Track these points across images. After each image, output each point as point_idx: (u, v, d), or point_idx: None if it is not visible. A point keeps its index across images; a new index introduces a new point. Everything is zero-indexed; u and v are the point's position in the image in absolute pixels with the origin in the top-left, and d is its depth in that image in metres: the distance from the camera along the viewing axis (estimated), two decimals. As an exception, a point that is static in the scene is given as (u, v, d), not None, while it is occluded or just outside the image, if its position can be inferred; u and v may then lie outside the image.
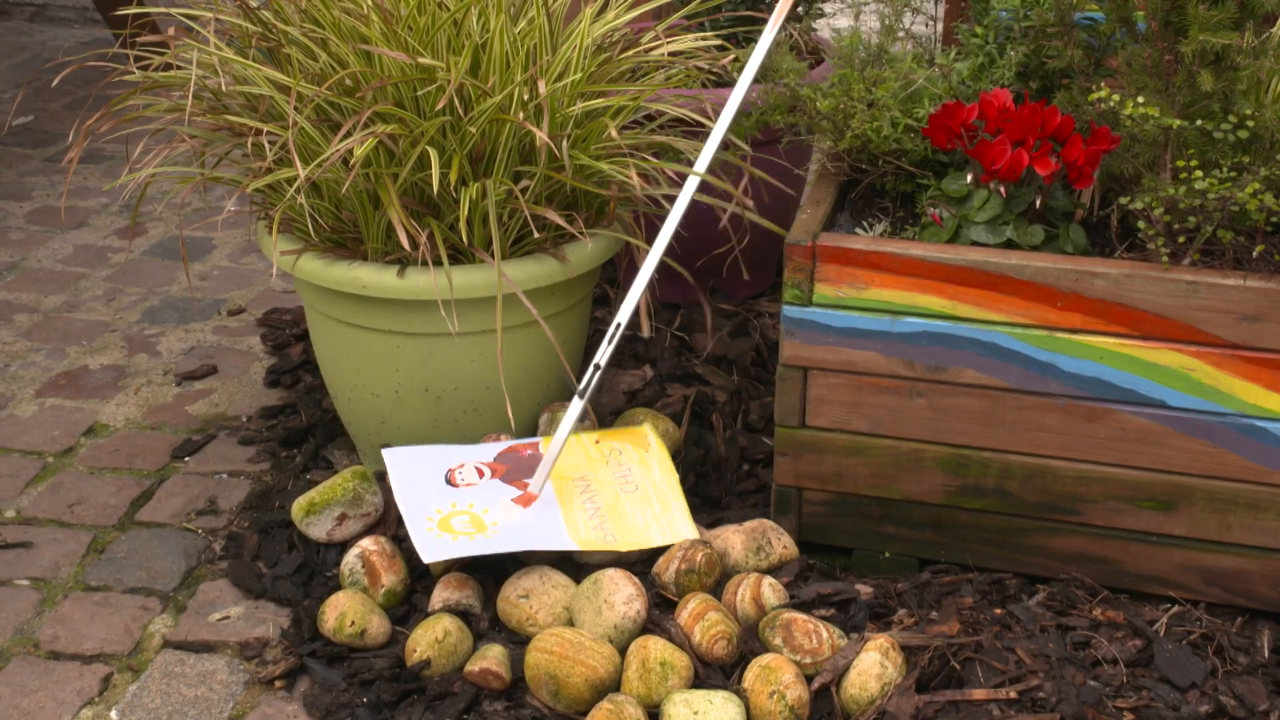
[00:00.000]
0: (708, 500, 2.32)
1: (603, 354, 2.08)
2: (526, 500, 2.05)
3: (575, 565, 2.07)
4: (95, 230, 3.46)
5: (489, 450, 2.16)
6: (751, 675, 1.84)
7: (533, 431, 2.34)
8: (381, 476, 2.27)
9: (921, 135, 2.15)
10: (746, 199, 2.27)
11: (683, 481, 2.31)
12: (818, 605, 2.02)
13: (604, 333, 2.73)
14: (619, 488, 2.10)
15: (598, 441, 2.19)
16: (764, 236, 2.55)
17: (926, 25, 2.52)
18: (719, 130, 2.12)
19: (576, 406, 2.07)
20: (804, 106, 2.23)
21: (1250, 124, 1.91)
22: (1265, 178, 1.88)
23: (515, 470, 2.12)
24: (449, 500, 2.07)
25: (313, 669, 1.96)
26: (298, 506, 2.18)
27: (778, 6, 2.18)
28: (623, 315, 2.09)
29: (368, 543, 2.08)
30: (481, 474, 2.11)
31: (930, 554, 2.14)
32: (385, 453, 2.14)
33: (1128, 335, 1.93)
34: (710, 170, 2.27)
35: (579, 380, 2.40)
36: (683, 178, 2.20)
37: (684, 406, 2.47)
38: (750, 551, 2.07)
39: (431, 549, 1.98)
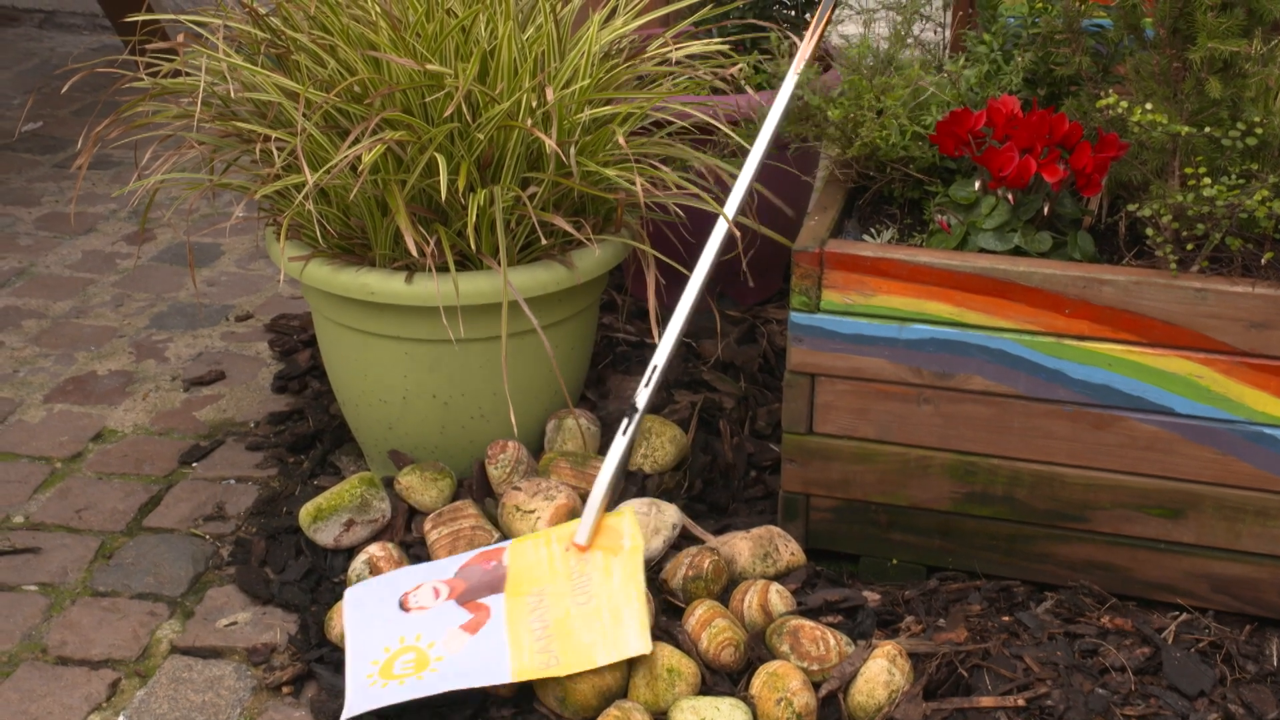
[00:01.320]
0: (715, 507, 2.32)
1: (641, 396, 2.06)
2: (476, 625, 1.93)
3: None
4: (104, 236, 3.47)
5: (451, 565, 2.04)
6: (759, 682, 1.84)
7: (539, 438, 2.34)
8: (389, 482, 2.27)
9: (929, 142, 2.15)
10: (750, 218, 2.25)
11: (690, 488, 2.31)
12: (825, 612, 2.02)
13: (609, 338, 2.75)
14: (571, 601, 1.95)
15: (567, 549, 2.03)
16: (771, 242, 2.55)
17: (935, 32, 2.52)
18: (747, 171, 2.08)
19: (620, 445, 2.03)
20: (814, 115, 2.22)
21: (1259, 131, 1.91)
22: (1274, 184, 1.87)
23: (472, 590, 1.99)
24: (397, 635, 1.94)
25: (320, 675, 1.96)
26: (305, 512, 2.19)
27: (794, 60, 2.16)
28: (660, 357, 2.06)
29: (375, 549, 2.08)
30: (438, 594, 1.99)
31: (938, 561, 2.14)
32: (347, 594, 2.01)
33: (1136, 342, 1.92)
34: (719, 182, 2.27)
35: (573, 395, 2.40)
36: (686, 188, 2.20)
37: (691, 413, 2.46)
38: (757, 558, 2.07)
39: (357, 700, 1.85)
